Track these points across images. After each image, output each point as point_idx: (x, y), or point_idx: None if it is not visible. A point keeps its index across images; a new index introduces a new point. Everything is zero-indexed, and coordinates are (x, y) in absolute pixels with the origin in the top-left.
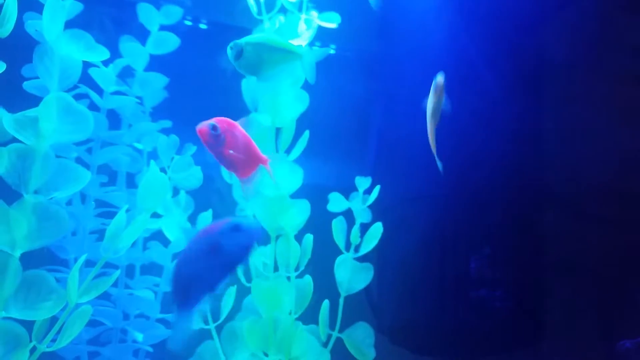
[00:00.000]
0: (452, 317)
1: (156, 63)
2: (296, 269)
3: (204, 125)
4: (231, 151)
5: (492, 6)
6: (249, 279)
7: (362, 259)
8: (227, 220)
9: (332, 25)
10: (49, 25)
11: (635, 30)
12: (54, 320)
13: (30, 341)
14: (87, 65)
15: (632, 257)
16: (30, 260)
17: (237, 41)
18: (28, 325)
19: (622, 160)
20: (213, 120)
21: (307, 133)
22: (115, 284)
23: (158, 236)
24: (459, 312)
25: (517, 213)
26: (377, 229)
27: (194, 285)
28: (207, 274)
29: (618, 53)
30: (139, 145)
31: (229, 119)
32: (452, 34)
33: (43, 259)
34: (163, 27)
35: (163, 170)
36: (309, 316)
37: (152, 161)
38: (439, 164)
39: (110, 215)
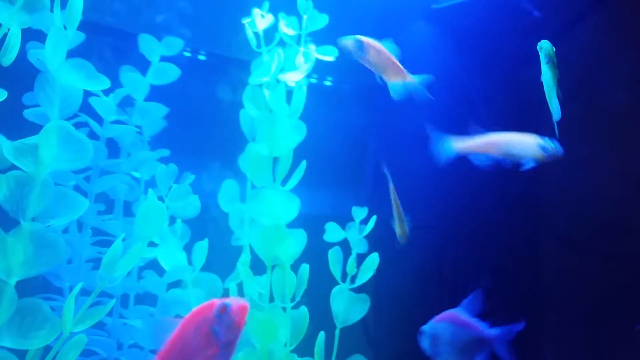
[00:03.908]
0: None
1: (156, 93)
2: (292, 300)
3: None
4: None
5: (487, 41)
6: None
7: (359, 289)
8: None
9: (330, 58)
10: (51, 55)
11: (630, 64)
12: (47, 349)
13: None
14: (87, 94)
15: (629, 292)
16: (24, 287)
17: None
18: (21, 354)
19: (621, 194)
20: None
21: (304, 163)
22: (109, 314)
23: (153, 265)
24: None
25: (516, 245)
26: (374, 260)
27: None
28: None
29: (612, 86)
30: (136, 174)
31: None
32: (449, 67)
33: (37, 287)
34: (163, 58)
35: (161, 198)
36: (304, 348)
37: (150, 190)
38: None
39: (107, 243)
